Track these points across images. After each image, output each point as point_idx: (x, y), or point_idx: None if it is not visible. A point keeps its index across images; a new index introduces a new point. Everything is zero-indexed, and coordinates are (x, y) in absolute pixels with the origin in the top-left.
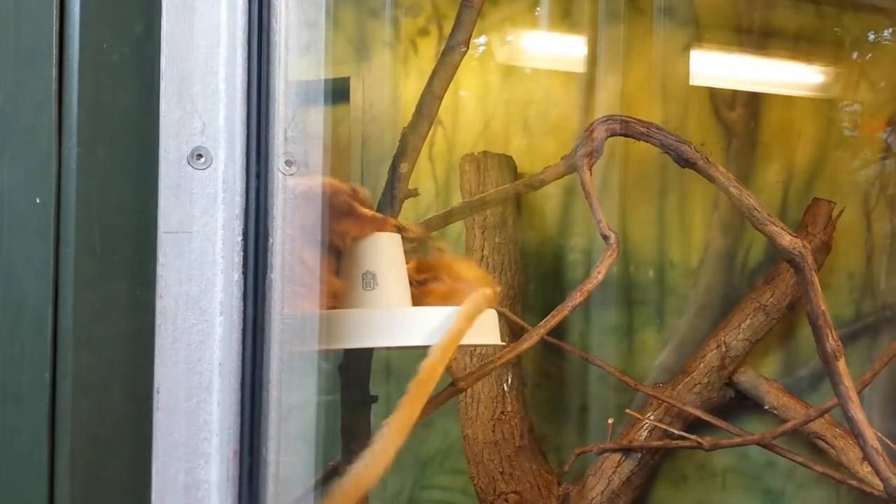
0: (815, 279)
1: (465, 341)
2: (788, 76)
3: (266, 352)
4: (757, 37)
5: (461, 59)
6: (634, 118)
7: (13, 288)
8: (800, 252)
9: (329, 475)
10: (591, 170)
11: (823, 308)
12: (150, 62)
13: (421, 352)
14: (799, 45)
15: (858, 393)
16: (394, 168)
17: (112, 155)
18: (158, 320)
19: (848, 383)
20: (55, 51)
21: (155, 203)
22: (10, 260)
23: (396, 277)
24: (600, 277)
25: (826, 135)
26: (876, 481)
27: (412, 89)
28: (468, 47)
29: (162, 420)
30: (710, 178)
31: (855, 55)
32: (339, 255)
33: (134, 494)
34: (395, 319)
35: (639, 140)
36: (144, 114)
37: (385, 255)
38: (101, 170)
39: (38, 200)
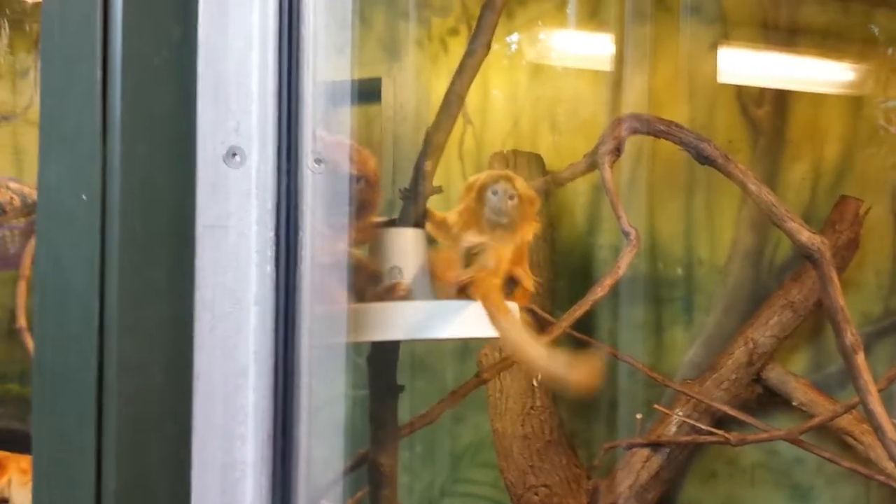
0: (834, 274)
1: (469, 334)
2: (817, 73)
3: (298, 341)
4: (785, 34)
5: (482, 60)
6: (655, 116)
7: (62, 279)
8: (818, 248)
9: (359, 462)
10: (612, 167)
11: (842, 303)
12: (187, 65)
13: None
14: (827, 41)
15: (884, 389)
16: (418, 166)
17: (153, 153)
18: (197, 309)
19: (867, 377)
20: (99, 55)
21: (193, 199)
22: (58, 253)
23: (420, 271)
24: (621, 272)
25: (855, 132)
26: None
27: (442, 88)
28: (489, 49)
29: (201, 403)
30: (730, 176)
31: (890, 51)
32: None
33: (176, 472)
34: (420, 313)
35: (659, 138)
36: (182, 114)
37: (410, 250)
38: (143, 167)
39: (84, 197)
